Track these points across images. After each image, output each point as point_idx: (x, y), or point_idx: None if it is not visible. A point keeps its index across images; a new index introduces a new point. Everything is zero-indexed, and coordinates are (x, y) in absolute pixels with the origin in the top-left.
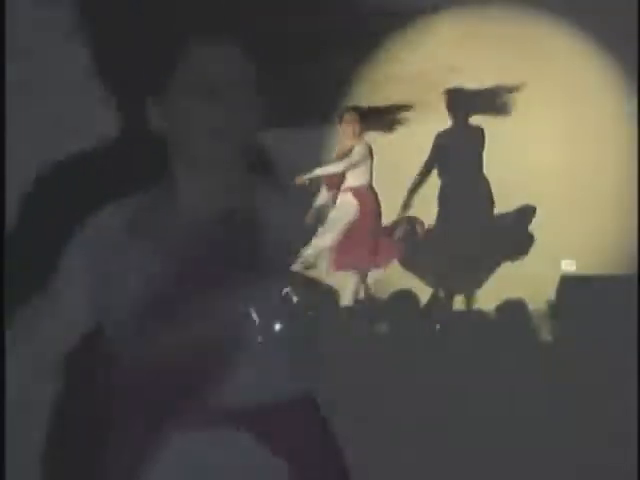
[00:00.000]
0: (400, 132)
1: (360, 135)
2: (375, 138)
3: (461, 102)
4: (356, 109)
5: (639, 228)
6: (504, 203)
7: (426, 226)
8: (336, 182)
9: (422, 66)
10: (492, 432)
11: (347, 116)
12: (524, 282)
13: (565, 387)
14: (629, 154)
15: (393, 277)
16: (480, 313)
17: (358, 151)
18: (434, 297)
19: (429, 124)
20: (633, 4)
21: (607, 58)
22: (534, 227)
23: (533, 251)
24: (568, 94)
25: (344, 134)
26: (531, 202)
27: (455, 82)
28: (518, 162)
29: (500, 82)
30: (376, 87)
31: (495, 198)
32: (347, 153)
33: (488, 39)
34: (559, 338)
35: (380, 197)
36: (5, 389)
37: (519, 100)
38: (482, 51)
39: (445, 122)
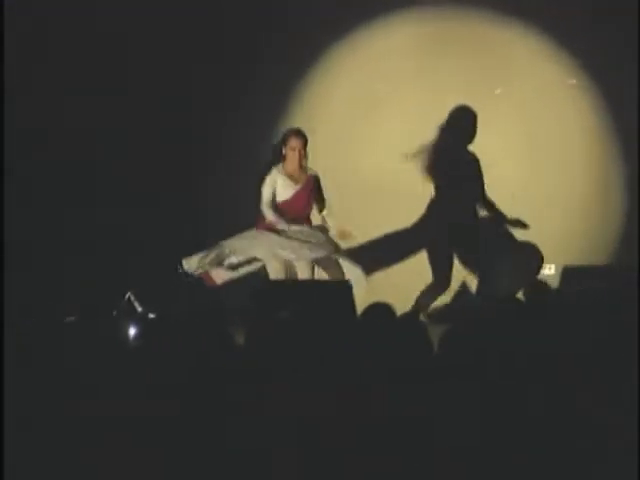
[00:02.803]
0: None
1: (304, 163)
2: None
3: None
4: (300, 133)
5: (639, 228)
6: None
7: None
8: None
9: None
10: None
11: (293, 142)
12: None
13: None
14: (594, 161)
15: None
16: None
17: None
18: None
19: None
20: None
21: (571, 61)
22: None
23: None
24: (531, 100)
25: (289, 160)
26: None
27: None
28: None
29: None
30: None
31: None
32: (296, 179)
33: (449, 43)
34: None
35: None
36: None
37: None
38: (442, 57)
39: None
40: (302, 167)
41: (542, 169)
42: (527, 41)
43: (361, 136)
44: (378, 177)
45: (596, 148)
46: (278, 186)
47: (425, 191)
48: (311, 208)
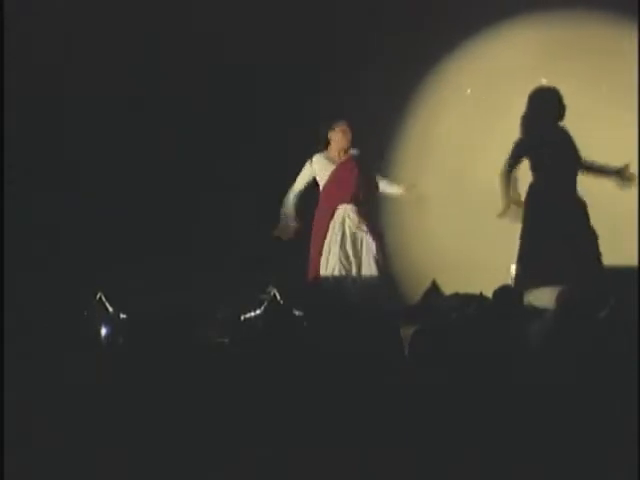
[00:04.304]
0: None
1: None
2: None
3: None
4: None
5: (639, 223)
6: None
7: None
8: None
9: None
10: None
11: (342, 125)
12: None
13: None
14: None
15: None
16: None
17: None
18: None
19: None
20: None
21: None
22: None
23: None
24: None
25: (335, 142)
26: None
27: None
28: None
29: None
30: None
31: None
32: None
33: (570, 47)
34: None
35: None
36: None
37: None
38: (562, 61)
39: None
40: (346, 150)
41: None
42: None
43: (477, 145)
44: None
45: None
46: (318, 170)
47: None
48: (357, 188)
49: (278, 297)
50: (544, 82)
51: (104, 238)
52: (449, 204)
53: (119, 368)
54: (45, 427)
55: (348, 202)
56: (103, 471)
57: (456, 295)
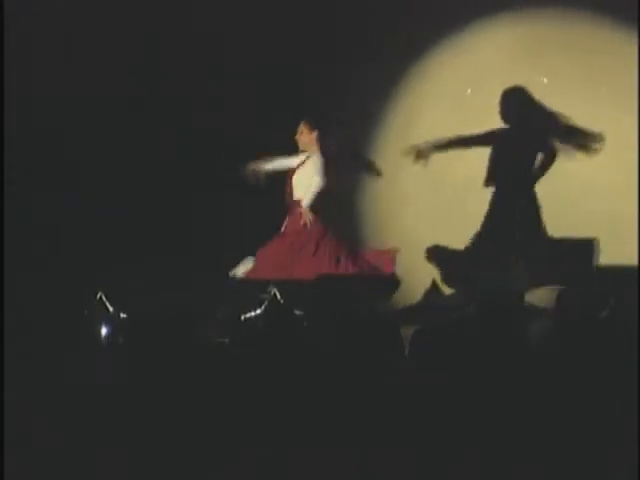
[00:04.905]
0: None
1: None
2: None
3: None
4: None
5: (639, 224)
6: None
7: None
8: None
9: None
10: None
11: (300, 127)
12: None
13: None
14: None
15: None
16: None
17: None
18: None
19: None
20: None
21: None
22: None
23: None
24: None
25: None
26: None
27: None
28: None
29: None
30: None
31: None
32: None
33: (551, 46)
34: None
35: None
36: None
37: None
38: (561, 63)
39: None
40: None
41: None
42: (622, 40)
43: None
44: (469, 184)
45: None
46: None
47: None
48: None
49: (278, 297)
50: (545, 82)
51: (104, 238)
52: (430, 200)
53: (119, 368)
54: (45, 427)
55: None
56: (103, 471)
57: (456, 295)
